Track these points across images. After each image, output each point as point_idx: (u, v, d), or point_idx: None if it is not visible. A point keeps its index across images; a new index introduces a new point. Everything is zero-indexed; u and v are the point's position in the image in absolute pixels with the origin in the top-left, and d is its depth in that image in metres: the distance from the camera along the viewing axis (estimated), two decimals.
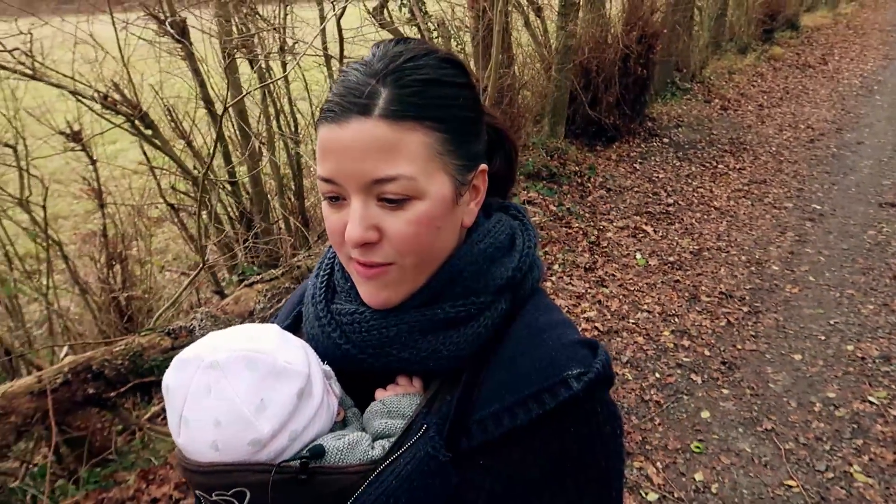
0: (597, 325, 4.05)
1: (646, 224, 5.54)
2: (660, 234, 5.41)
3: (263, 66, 5.76)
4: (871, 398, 3.42)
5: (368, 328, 0.75)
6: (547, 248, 4.98)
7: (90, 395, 2.79)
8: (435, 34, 6.79)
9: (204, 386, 0.67)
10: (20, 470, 2.85)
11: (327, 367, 0.78)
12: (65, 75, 4.04)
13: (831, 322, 4.14)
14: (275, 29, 5.76)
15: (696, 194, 6.32)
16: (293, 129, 6.24)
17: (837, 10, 19.02)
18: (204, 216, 5.82)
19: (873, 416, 3.29)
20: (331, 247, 0.87)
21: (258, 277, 4.11)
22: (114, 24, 4.84)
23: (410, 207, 0.70)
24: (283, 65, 5.83)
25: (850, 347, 3.86)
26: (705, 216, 5.82)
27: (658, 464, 3.00)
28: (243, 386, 0.67)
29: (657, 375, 3.63)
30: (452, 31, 6.94)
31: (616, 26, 7.18)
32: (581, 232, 5.30)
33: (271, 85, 5.84)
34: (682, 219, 5.73)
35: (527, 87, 7.31)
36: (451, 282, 0.75)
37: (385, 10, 6.54)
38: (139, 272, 5.19)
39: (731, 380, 3.61)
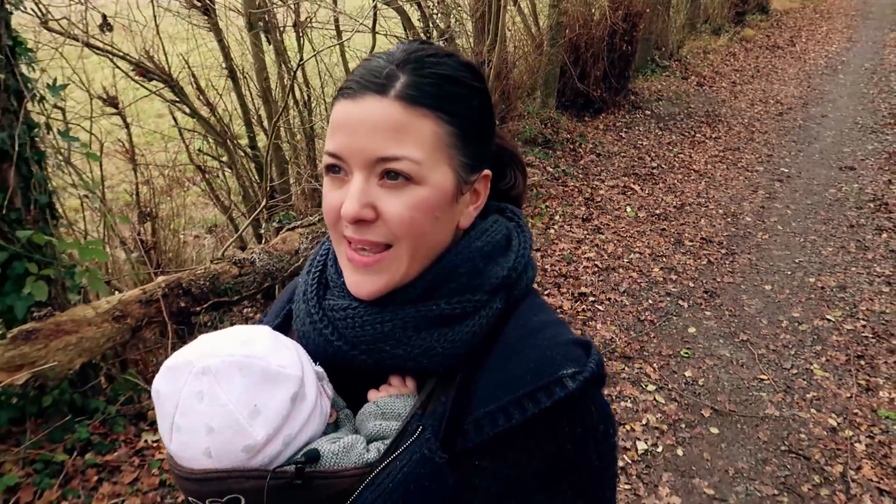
0: (596, 263, 4.65)
1: (633, 183, 6.15)
2: (646, 191, 6.03)
3: (280, 37, 6.22)
4: (828, 317, 4.07)
5: (362, 323, 0.75)
6: (547, 203, 5.56)
7: (182, 307, 3.30)
8: (435, 11, 7.28)
9: (196, 392, 0.66)
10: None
11: (319, 368, 0.77)
12: (106, 44, 4.46)
13: (796, 261, 4.79)
14: (288, 6, 6.24)
15: (676, 159, 6.94)
16: (307, 98, 6.71)
17: None
18: (230, 177, 6.32)
19: (830, 329, 3.94)
20: (323, 243, 0.89)
21: (298, 223, 4.63)
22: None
23: (410, 191, 0.71)
24: (298, 37, 6.30)
25: (811, 280, 4.51)
26: (686, 177, 6.45)
27: (654, 364, 3.61)
28: (236, 392, 0.66)
29: (650, 301, 4.25)
30: (452, 6, 7.44)
31: (603, 5, 7.74)
32: (576, 190, 5.89)
33: (287, 56, 6.30)
34: (666, 179, 6.36)
35: (518, 62, 7.85)
36: (446, 278, 0.75)
37: None
38: (168, 229, 5.63)
39: (712, 304, 4.23)
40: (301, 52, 6.33)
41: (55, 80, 2.95)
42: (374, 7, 5.00)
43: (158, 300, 3.20)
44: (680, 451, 3.02)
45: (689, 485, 2.83)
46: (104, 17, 3.86)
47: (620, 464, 2.93)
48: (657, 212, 5.60)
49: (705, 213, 5.64)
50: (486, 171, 0.79)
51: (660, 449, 3.03)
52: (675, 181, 6.34)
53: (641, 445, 3.04)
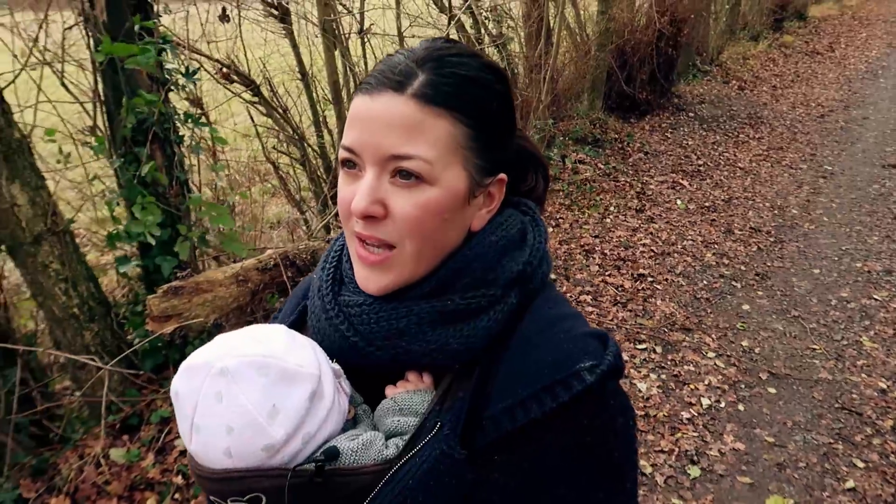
0: (652, 248, 4.98)
1: (682, 179, 6.46)
2: (694, 186, 6.33)
3: (346, 43, 6.69)
4: (875, 297, 4.34)
5: (377, 319, 0.75)
6: (601, 196, 5.90)
7: (289, 276, 3.72)
8: (488, 21, 7.69)
9: (214, 393, 0.67)
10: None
11: (336, 366, 0.77)
12: (200, 52, 4.91)
13: (842, 248, 5.06)
14: (351, 13, 6.71)
15: (721, 158, 7.23)
16: None
17: (843, 2, 19.84)
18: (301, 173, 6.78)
19: (877, 307, 4.21)
20: (337, 239, 0.88)
21: None
22: (238, 8, 5.77)
23: (421, 190, 0.71)
24: (362, 42, 6.76)
25: (858, 265, 4.78)
26: (731, 174, 6.74)
27: (712, 335, 3.93)
28: (255, 392, 0.67)
29: (705, 282, 4.56)
30: (505, 16, 7.84)
31: (650, 11, 8.07)
32: (628, 184, 6.22)
33: (352, 61, 6.76)
34: (712, 176, 6.65)
35: (567, 66, 8.21)
36: (460, 273, 0.75)
37: None
38: (247, 219, 6.08)
39: (764, 286, 4.53)
40: (365, 56, 6.80)
41: (188, 67, 3.40)
42: (450, 17, 5.41)
43: (271, 268, 3.62)
44: (741, 407, 3.33)
45: (751, 434, 3.15)
46: (224, 9, 4.32)
47: (687, 415, 3.26)
48: (706, 204, 5.90)
49: (752, 205, 5.92)
50: (502, 176, 0.79)
51: (722, 404, 3.35)
52: (722, 177, 6.63)
53: (706, 401, 3.36)
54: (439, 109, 0.70)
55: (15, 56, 3.15)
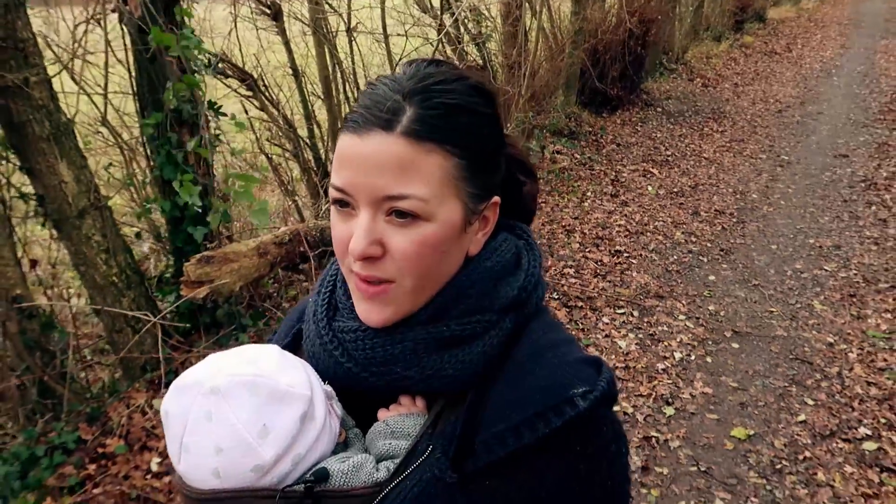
0: (627, 228, 5.43)
1: (652, 168, 6.95)
2: (663, 174, 6.82)
3: (333, 40, 7.05)
4: (825, 268, 4.85)
5: (373, 345, 0.75)
6: (578, 183, 6.35)
7: (301, 251, 4.07)
8: (468, 20, 8.08)
9: (205, 412, 0.67)
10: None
11: (328, 388, 0.77)
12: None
13: (797, 227, 5.58)
14: (337, 13, 7.07)
15: (688, 149, 7.74)
16: (355, 94, 7.53)
17: (800, 5, 20.75)
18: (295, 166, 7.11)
19: (827, 276, 4.72)
20: (333, 264, 0.88)
21: None
22: (234, 5, 6.09)
23: (417, 227, 0.70)
24: (349, 40, 7.13)
25: (811, 241, 5.30)
26: (697, 164, 7.25)
27: (683, 301, 4.39)
28: (245, 411, 0.67)
29: (675, 257, 5.02)
30: (484, 16, 8.24)
31: (620, 12, 8.56)
32: (602, 172, 6.68)
33: (339, 58, 7.12)
34: (680, 165, 7.15)
35: (542, 64, 8.66)
36: (457, 299, 0.75)
37: None
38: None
39: (728, 259, 5.01)
40: (352, 53, 7.16)
41: (209, 59, 3.73)
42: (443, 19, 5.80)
43: (287, 243, 3.97)
44: (709, 359, 3.79)
45: (718, 380, 3.60)
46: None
47: (661, 366, 3.70)
48: (675, 190, 6.39)
49: (717, 191, 6.43)
50: (496, 199, 0.79)
51: (692, 357, 3.80)
52: (688, 166, 7.13)
53: (678, 355, 3.81)
54: (430, 144, 0.69)
55: (55, 53, 3.45)
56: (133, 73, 3.55)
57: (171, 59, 3.40)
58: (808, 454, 3.03)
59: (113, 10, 3.50)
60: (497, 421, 0.69)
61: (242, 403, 0.67)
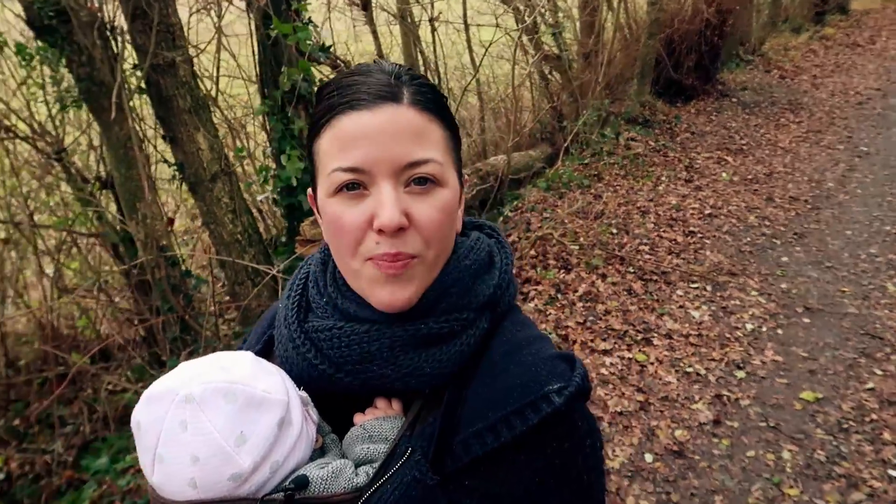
0: (701, 211, 5.61)
1: (726, 156, 7.05)
2: (738, 162, 6.92)
3: (416, 29, 7.42)
4: None
5: (349, 343, 0.74)
6: (652, 168, 6.53)
7: None
8: (545, 8, 8.32)
9: (179, 421, 0.65)
10: None
11: (304, 393, 0.76)
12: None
13: (873, 215, 5.62)
14: (420, 3, 7.43)
15: (763, 138, 7.78)
16: (436, 80, 7.87)
17: None
18: None
19: None
20: (302, 267, 0.89)
21: None
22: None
23: (437, 193, 0.72)
24: (432, 29, 7.49)
25: (887, 228, 5.35)
26: (773, 153, 7.30)
27: (755, 278, 4.56)
28: (221, 419, 0.66)
29: (748, 239, 5.18)
30: (562, 11, 8.47)
31: (698, 2, 8.63)
32: (676, 159, 6.84)
33: (423, 45, 7.49)
34: (754, 154, 7.22)
35: (618, 54, 8.82)
36: (439, 297, 0.76)
37: None
38: None
39: (801, 243, 5.13)
40: (434, 42, 7.53)
41: (323, 42, 4.13)
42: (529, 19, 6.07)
43: None
44: (780, 331, 3.97)
45: (788, 350, 3.79)
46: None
47: (733, 336, 3.90)
48: (749, 177, 6.49)
49: (792, 179, 6.50)
50: (467, 175, 0.98)
51: (764, 329, 3.99)
52: (763, 155, 7.20)
53: (749, 326, 4.00)
54: (432, 115, 0.73)
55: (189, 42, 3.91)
56: (256, 56, 3.98)
57: (289, 45, 3.82)
58: (874, 417, 3.21)
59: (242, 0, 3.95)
60: (475, 420, 0.70)
61: (218, 411, 0.66)
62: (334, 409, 0.80)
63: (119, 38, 3.31)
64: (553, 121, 7.68)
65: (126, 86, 3.31)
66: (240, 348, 0.92)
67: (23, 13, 3.18)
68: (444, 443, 0.70)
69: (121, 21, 3.40)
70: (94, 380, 4.42)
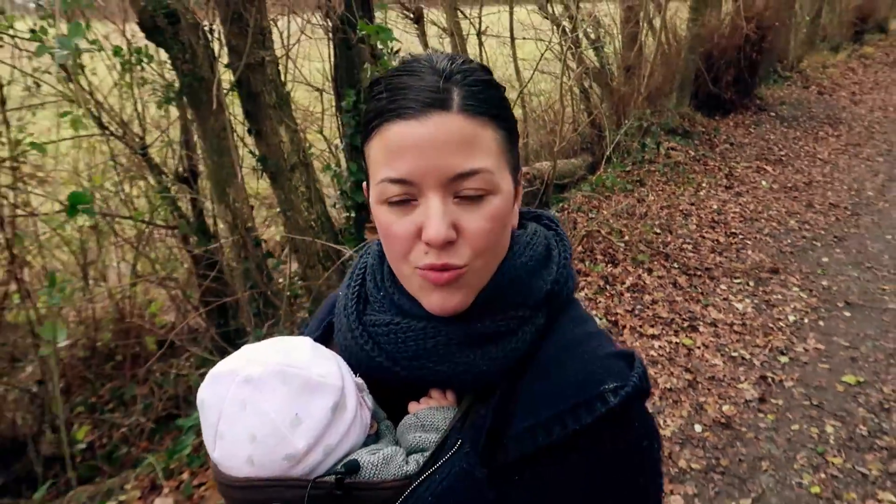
0: (741, 215, 5.81)
1: (765, 165, 7.24)
2: (777, 171, 7.10)
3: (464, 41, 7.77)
4: None
5: (405, 339, 0.75)
6: (693, 176, 6.75)
7: None
8: (588, 27, 8.61)
9: (239, 401, 0.68)
10: None
11: (360, 380, 0.78)
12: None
13: None
14: (468, 18, 7.79)
15: (802, 150, 7.94)
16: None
17: None
18: None
19: None
20: (361, 257, 0.89)
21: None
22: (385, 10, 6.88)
23: (487, 203, 0.71)
24: (479, 43, 7.83)
25: None
26: (812, 164, 7.46)
27: (796, 276, 4.75)
28: (278, 401, 0.68)
29: (789, 241, 5.37)
30: (603, 27, 8.76)
31: (737, 18, 8.86)
32: (716, 167, 7.05)
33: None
34: (794, 164, 7.39)
35: (657, 67, 9.07)
36: (493, 296, 0.75)
37: (548, 5, 8.42)
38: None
39: (841, 245, 5.31)
40: (481, 55, 7.87)
41: (391, 47, 4.47)
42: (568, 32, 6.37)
43: None
44: (821, 323, 4.16)
45: (829, 339, 3.97)
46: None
47: (776, 326, 4.10)
48: (788, 185, 6.67)
49: (831, 187, 6.66)
50: (524, 168, 0.86)
51: (805, 321, 4.18)
52: (802, 166, 7.37)
53: (791, 318, 4.20)
54: (483, 118, 0.71)
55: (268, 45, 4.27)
56: (332, 57, 4.33)
57: (364, 47, 4.16)
58: None
59: (318, 8, 4.31)
60: (527, 416, 0.69)
61: (275, 393, 0.68)
62: (391, 396, 0.81)
63: (218, 39, 3.68)
64: (594, 131, 7.94)
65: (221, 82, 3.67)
66: (301, 332, 0.94)
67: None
68: (494, 437, 0.70)
69: (216, 24, 3.77)
70: (162, 364, 4.76)
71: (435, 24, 7.94)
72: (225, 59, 3.84)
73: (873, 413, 3.30)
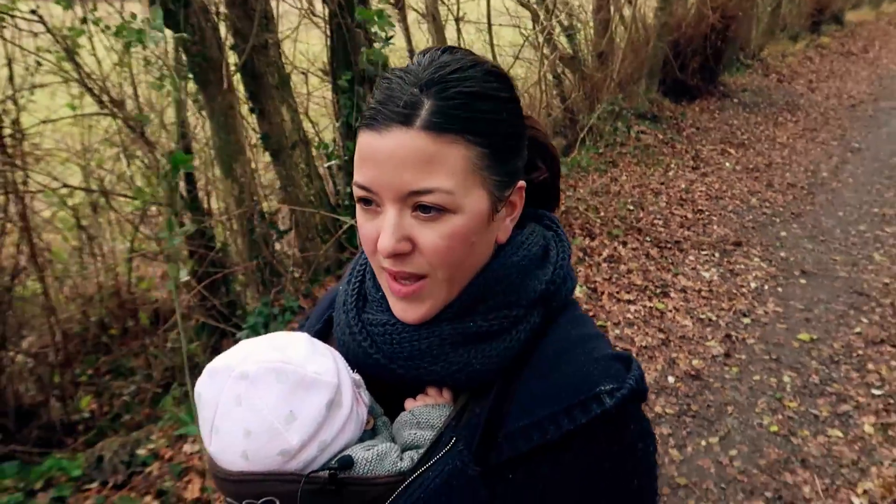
0: (707, 193, 6.22)
1: (729, 148, 7.67)
2: (739, 154, 7.54)
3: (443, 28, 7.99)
4: (886, 230, 5.53)
5: (400, 340, 0.76)
6: (662, 157, 7.14)
7: None
8: (560, 11, 8.91)
9: (234, 396, 0.69)
10: None
11: (357, 376, 0.79)
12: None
13: (863, 199, 6.25)
14: (447, 6, 8.02)
15: (762, 135, 8.40)
16: None
17: (880, 9, 20.71)
18: None
19: (887, 237, 5.40)
20: (362, 253, 0.87)
21: None
22: None
23: (445, 221, 0.70)
24: (457, 28, 8.09)
25: (875, 209, 5.97)
26: (772, 147, 7.92)
27: (758, 248, 5.17)
28: (272, 397, 0.69)
29: (751, 217, 5.79)
30: (574, 15, 9.07)
31: (703, 8, 9.26)
32: (684, 150, 7.46)
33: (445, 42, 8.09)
34: (755, 147, 7.84)
35: (628, 55, 9.45)
36: (484, 295, 0.76)
37: None
38: None
39: (798, 221, 5.74)
40: (459, 41, 8.13)
41: (385, 31, 4.71)
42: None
43: None
44: (780, 289, 4.57)
45: (787, 303, 4.38)
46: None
47: (739, 292, 4.49)
48: (750, 167, 7.11)
49: (789, 169, 7.12)
50: (521, 183, 0.78)
51: (766, 287, 4.59)
52: (763, 149, 7.82)
53: (753, 284, 4.60)
54: (452, 136, 0.69)
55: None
56: (328, 41, 4.56)
57: (360, 31, 4.40)
58: (860, 352, 3.80)
59: None
60: (522, 415, 0.70)
61: (270, 389, 0.69)
62: (389, 392, 0.82)
63: (223, 22, 3.89)
64: (566, 115, 8.28)
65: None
66: (301, 326, 0.97)
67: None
68: (489, 435, 0.71)
69: (222, 7, 3.97)
70: (154, 338, 4.96)
71: (414, 9, 8.16)
72: (230, 42, 4.05)
73: (824, 365, 3.70)
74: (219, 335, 4.54)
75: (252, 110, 4.25)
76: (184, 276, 2.86)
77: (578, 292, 4.35)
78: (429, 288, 0.73)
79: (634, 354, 3.71)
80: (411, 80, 0.70)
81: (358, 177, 0.72)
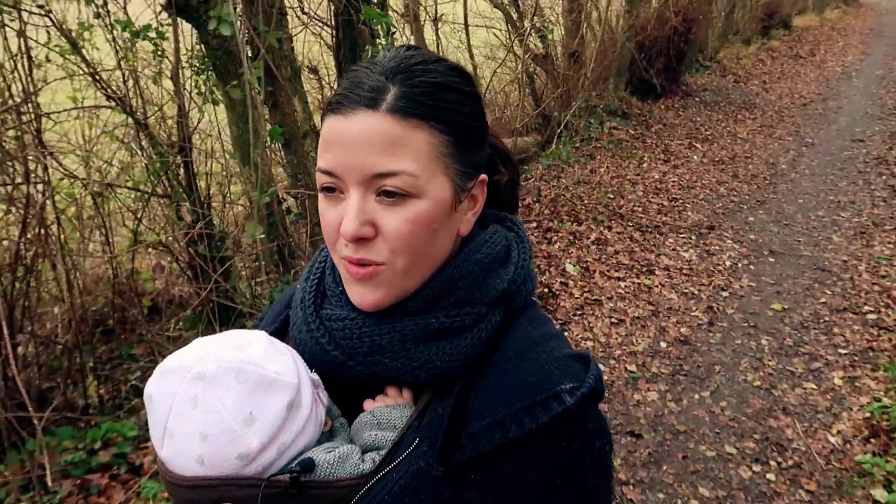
0: (679, 183, 6.66)
1: (695, 143, 8.17)
2: (705, 148, 8.04)
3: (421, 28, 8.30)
4: (842, 215, 6.05)
5: (360, 335, 0.75)
6: (635, 151, 7.57)
7: None
8: (533, 12, 9.30)
9: (190, 397, 0.66)
10: None
11: (315, 376, 0.76)
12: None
13: (820, 188, 6.78)
14: (424, 7, 8.34)
15: (724, 131, 8.94)
16: None
17: (824, 15, 21.85)
18: None
19: (843, 221, 5.92)
20: (322, 250, 0.87)
21: None
22: None
23: (408, 205, 0.70)
24: (435, 29, 8.40)
25: (831, 197, 6.50)
26: (734, 142, 8.46)
27: (729, 231, 5.61)
28: (231, 398, 0.66)
29: (720, 205, 6.25)
30: (544, 16, 9.47)
31: (666, 11, 9.78)
32: (654, 144, 7.92)
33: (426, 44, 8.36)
34: (718, 142, 8.37)
35: (596, 56, 9.91)
36: (446, 291, 0.75)
37: None
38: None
39: (763, 207, 6.23)
40: (437, 40, 8.45)
41: (388, 27, 4.98)
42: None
43: None
44: (752, 267, 5.01)
45: (759, 279, 4.81)
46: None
47: (716, 269, 4.91)
48: (716, 159, 7.61)
49: (751, 161, 7.64)
50: (483, 176, 0.79)
51: (739, 265, 5.02)
52: (726, 143, 8.35)
53: (728, 263, 5.03)
54: (416, 121, 0.70)
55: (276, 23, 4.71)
56: (333, 37, 4.81)
57: (364, 28, 4.67)
58: (826, 319, 4.25)
59: None
60: (484, 414, 0.70)
61: (229, 390, 0.67)
62: (346, 393, 0.80)
63: (240, 17, 4.11)
64: (541, 113, 8.67)
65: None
66: (256, 326, 0.93)
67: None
68: (451, 435, 0.71)
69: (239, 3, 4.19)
70: (153, 327, 5.14)
71: (394, 10, 8.44)
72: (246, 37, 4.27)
73: (796, 330, 4.13)
74: (219, 323, 4.75)
75: (265, 102, 4.47)
76: (258, 234, 3.14)
77: (573, 271, 4.71)
78: (387, 275, 0.73)
79: (628, 324, 4.08)
80: (378, 70, 0.72)
81: (322, 162, 0.72)
